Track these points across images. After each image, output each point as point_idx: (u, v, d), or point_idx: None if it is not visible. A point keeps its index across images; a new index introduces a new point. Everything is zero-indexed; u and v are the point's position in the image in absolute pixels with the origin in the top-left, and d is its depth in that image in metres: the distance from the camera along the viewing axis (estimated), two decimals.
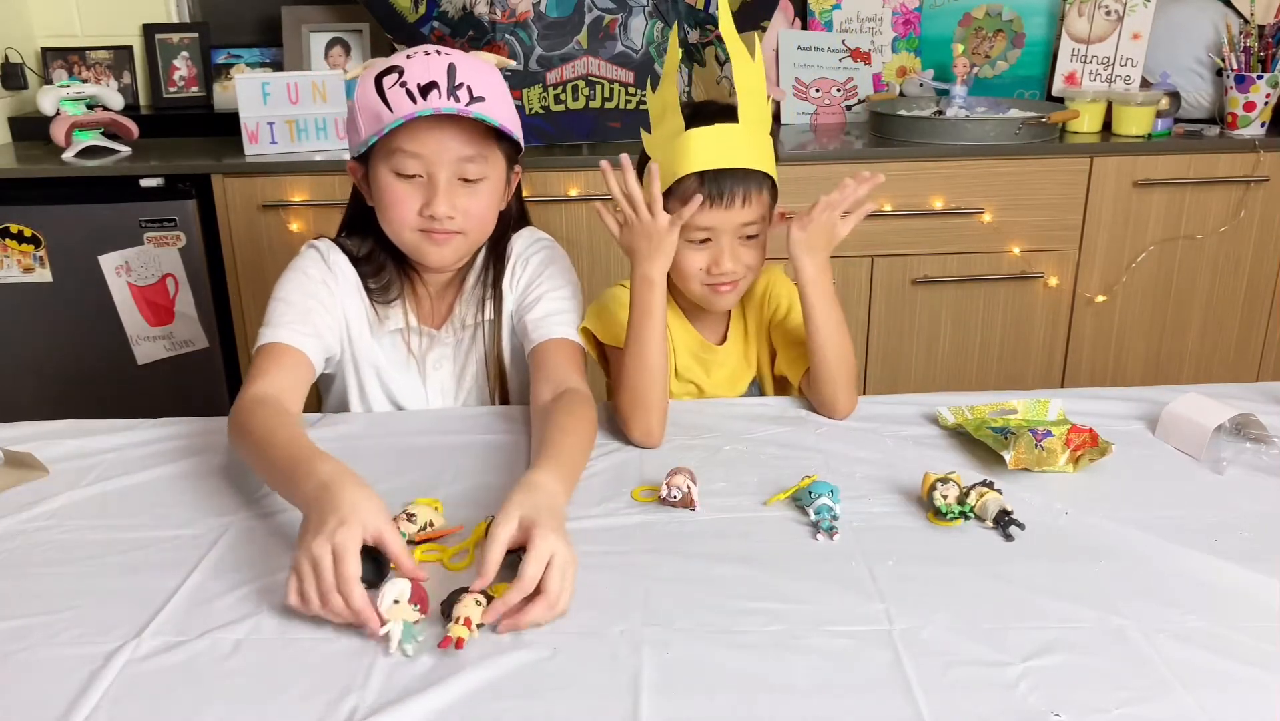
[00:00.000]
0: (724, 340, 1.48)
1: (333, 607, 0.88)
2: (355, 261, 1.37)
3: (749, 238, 1.35)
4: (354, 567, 0.88)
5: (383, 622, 0.87)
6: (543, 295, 1.39)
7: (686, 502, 1.09)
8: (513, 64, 1.35)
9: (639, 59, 2.37)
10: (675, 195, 1.30)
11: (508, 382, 1.45)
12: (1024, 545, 1.02)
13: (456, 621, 0.87)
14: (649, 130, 1.36)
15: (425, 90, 1.24)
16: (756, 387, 1.51)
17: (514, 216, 1.45)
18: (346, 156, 1.57)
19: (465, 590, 0.90)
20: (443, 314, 1.43)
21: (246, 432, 1.15)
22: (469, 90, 1.26)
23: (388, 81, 1.25)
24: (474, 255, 1.41)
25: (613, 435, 1.29)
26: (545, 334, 1.35)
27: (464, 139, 1.27)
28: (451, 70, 1.25)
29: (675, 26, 1.41)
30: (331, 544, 0.89)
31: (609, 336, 1.39)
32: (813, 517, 1.06)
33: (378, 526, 0.93)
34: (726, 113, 1.30)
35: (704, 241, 1.34)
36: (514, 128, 1.30)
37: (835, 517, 1.06)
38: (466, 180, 1.29)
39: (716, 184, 1.29)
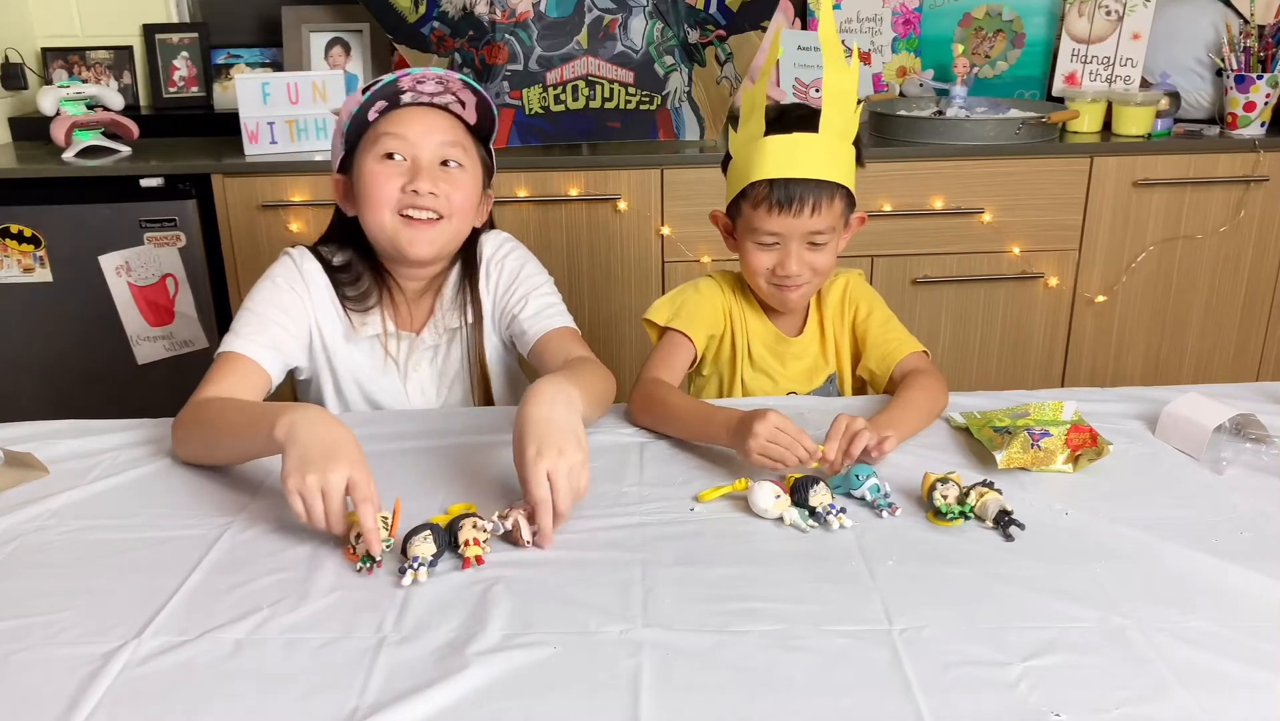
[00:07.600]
0: (800, 332, 1.50)
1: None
2: (332, 270, 1.39)
3: (817, 244, 1.37)
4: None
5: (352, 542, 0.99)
6: (528, 295, 1.43)
7: (514, 539, 1.02)
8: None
9: (639, 59, 2.37)
10: (747, 198, 1.35)
11: (490, 383, 1.48)
12: (1024, 545, 1.02)
13: (466, 545, 0.97)
14: (735, 128, 1.39)
15: (418, 82, 1.29)
16: (834, 385, 1.53)
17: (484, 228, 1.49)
18: None
19: (464, 516, 1.00)
20: (421, 318, 1.45)
21: (197, 423, 1.20)
22: (457, 97, 1.32)
23: (374, 87, 1.28)
24: (450, 264, 1.44)
25: (613, 436, 1.29)
26: (542, 328, 1.40)
27: (447, 125, 1.31)
28: (447, 79, 1.30)
29: (777, 31, 1.40)
30: (322, 486, 0.98)
31: (660, 315, 1.44)
32: (868, 498, 1.09)
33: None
34: (808, 120, 1.32)
35: (772, 244, 1.37)
36: (491, 137, 1.34)
37: (887, 494, 1.09)
38: (447, 167, 1.32)
39: (785, 191, 1.32)
